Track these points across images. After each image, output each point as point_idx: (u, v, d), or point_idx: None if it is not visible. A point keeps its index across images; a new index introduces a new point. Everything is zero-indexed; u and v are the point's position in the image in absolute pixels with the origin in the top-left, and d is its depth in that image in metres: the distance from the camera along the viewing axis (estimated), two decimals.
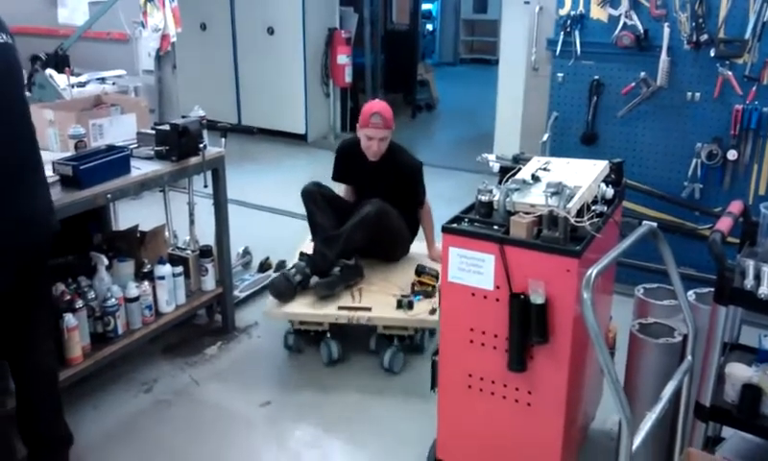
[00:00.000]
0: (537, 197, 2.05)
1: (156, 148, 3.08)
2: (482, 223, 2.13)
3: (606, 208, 2.22)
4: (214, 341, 3.44)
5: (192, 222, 3.57)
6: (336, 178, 3.70)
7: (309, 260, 3.27)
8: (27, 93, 4.38)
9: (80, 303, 2.75)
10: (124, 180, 2.82)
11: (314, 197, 3.44)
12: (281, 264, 3.99)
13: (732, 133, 3.47)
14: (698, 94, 3.55)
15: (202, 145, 3.15)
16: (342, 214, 3.42)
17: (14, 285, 2.10)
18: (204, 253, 3.40)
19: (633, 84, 3.68)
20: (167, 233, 3.74)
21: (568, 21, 3.77)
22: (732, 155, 3.49)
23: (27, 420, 2.30)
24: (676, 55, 3.53)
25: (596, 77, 3.78)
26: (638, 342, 2.28)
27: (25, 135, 2.11)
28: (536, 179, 2.15)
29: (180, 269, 3.23)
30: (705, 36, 3.43)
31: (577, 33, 3.76)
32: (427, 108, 9.27)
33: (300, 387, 3.10)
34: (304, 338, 3.33)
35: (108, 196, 2.76)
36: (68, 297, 2.72)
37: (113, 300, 2.88)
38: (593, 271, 1.72)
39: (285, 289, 3.18)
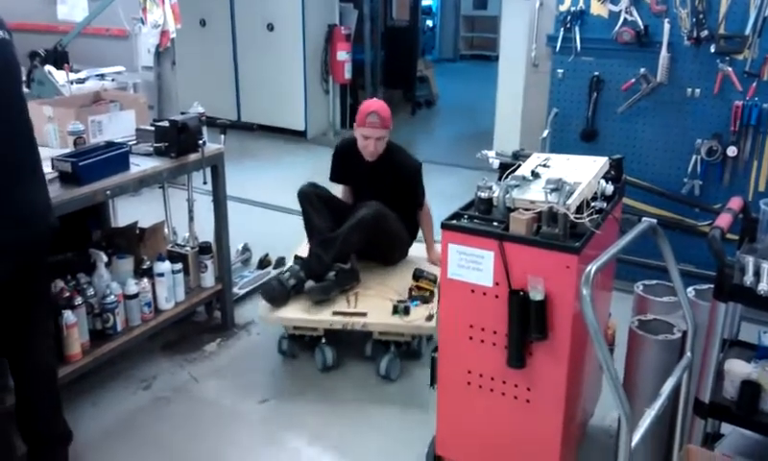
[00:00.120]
0: (536, 193, 2.05)
1: (156, 144, 3.07)
2: (481, 219, 2.12)
3: (605, 205, 2.21)
4: (213, 338, 3.44)
5: (191, 219, 3.57)
6: (334, 178, 3.63)
7: (304, 264, 3.20)
8: (26, 90, 4.41)
9: (79, 300, 2.75)
10: (123, 176, 2.82)
11: (310, 198, 3.36)
12: (281, 261, 3.99)
13: (731, 129, 3.47)
14: (698, 90, 3.54)
15: (201, 142, 3.15)
16: (339, 216, 3.34)
17: (13, 282, 2.10)
18: (204, 249, 3.40)
19: (633, 80, 3.67)
20: (166, 230, 3.73)
21: (568, 17, 3.76)
22: (731, 151, 3.49)
23: (26, 417, 2.30)
24: (676, 51, 3.53)
25: (596, 73, 3.78)
26: (638, 338, 2.28)
27: (23, 132, 2.11)
28: (535, 175, 2.15)
29: (179, 266, 3.22)
30: (705, 32, 3.42)
31: (577, 29, 3.76)
32: (427, 104, 9.26)
33: (294, 391, 3.06)
34: (299, 343, 3.27)
35: (108, 192, 2.76)
36: (67, 294, 2.72)
37: (112, 297, 2.88)
38: (593, 267, 1.72)
39: (278, 293, 3.10)
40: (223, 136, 3.59)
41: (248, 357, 3.30)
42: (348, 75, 7.37)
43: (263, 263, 4.12)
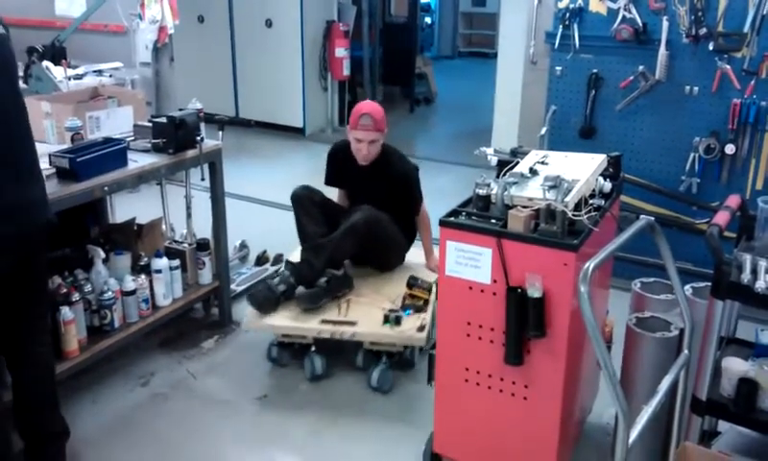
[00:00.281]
0: (534, 190, 2.05)
1: (153, 141, 3.06)
2: (479, 217, 2.12)
3: (603, 202, 2.21)
4: (211, 334, 3.44)
5: (189, 215, 3.57)
6: (329, 182, 3.52)
7: (294, 270, 3.12)
8: (23, 85, 4.40)
9: (76, 297, 2.74)
10: (121, 172, 2.81)
11: (303, 202, 3.28)
12: (278, 258, 3.99)
13: (729, 127, 3.47)
14: (696, 88, 3.54)
15: (199, 138, 3.14)
16: (334, 220, 3.25)
17: (10, 278, 2.10)
18: (201, 246, 3.39)
19: (631, 77, 3.67)
20: (164, 227, 3.73)
21: (567, 14, 3.76)
22: (729, 149, 3.49)
23: (23, 413, 2.29)
24: (674, 48, 3.53)
25: (595, 70, 3.78)
26: (635, 336, 2.29)
27: (20, 128, 2.10)
28: (534, 172, 2.15)
29: (176, 262, 3.22)
30: (703, 30, 3.42)
31: (576, 26, 3.75)
32: (425, 101, 9.26)
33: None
34: (289, 351, 3.16)
35: (105, 189, 2.75)
36: (65, 290, 2.71)
37: (110, 293, 2.88)
38: (591, 265, 1.72)
39: (266, 300, 3.02)
40: (221, 133, 3.60)
41: (245, 354, 3.29)
42: (346, 72, 7.36)
43: (261, 260, 4.12)
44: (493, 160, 2.51)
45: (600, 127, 3.86)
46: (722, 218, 2.01)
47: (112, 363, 3.10)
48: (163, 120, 3.09)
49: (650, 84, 3.62)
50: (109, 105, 3.44)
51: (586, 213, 2.01)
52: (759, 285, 1.80)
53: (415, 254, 3.51)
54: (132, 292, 2.98)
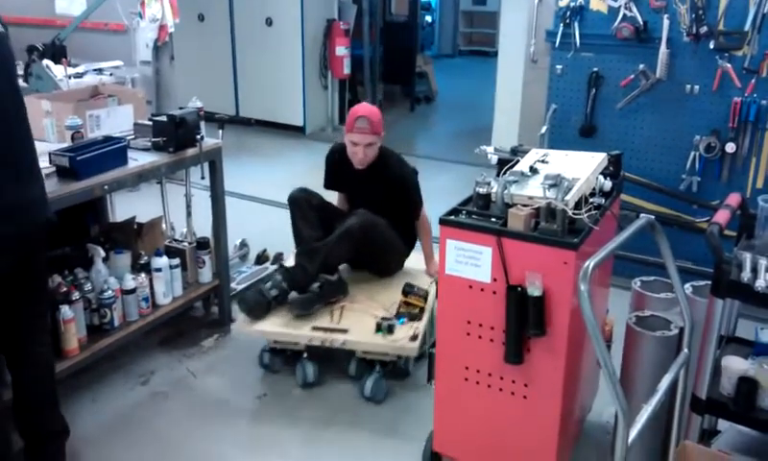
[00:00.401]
0: (535, 189, 2.05)
1: (154, 139, 3.06)
2: (480, 215, 2.12)
3: (604, 201, 2.21)
4: (211, 333, 3.44)
5: (189, 214, 3.57)
6: (327, 185, 3.47)
7: (287, 274, 3.06)
8: (24, 84, 4.40)
9: (76, 295, 2.74)
10: (121, 171, 2.81)
11: (300, 205, 3.21)
12: (278, 257, 3.99)
13: (730, 125, 3.47)
14: (697, 87, 3.54)
15: (199, 136, 3.14)
16: (332, 224, 3.19)
17: (10, 277, 2.09)
18: (201, 245, 3.39)
19: (632, 76, 3.67)
20: (164, 225, 3.73)
21: (568, 12, 3.75)
22: (730, 147, 3.49)
23: (23, 412, 2.29)
24: (675, 47, 3.52)
25: (595, 69, 3.77)
26: (635, 334, 2.29)
27: (19, 127, 2.10)
28: (534, 171, 2.14)
29: (176, 261, 3.22)
30: (704, 28, 3.41)
31: (576, 24, 3.75)
32: (426, 100, 9.26)
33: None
34: (281, 357, 3.11)
35: (105, 187, 2.75)
36: (65, 289, 2.71)
37: (110, 291, 2.88)
38: (591, 263, 1.72)
39: (256, 305, 2.97)
40: (221, 132, 3.59)
41: (245, 353, 3.29)
42: (346, 70, 7.36)
43: (261, 259, 4.12)
44: (494, 159, 2.51)
45: (600, 125, 3.86)
46: (722, 217, 2.01)
47: (112, 362, 3.10)
48: (163, 119, 3.09)
49: (650, 82, 3.62)
50: (110, 103, 3.44)
51: (586, 212, 2.01)
52: (759, 284, 1.80)
53: (415, 260, 3.45)
54: (132, 291, 2.98)
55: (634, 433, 1.76)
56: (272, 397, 2.97)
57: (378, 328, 2.88)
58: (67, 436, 2.41)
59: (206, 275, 3.42)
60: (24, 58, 4.77)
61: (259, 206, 5.24)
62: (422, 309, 2.98)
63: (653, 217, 2.03)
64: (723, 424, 2.27)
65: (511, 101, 5.48)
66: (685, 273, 2.71)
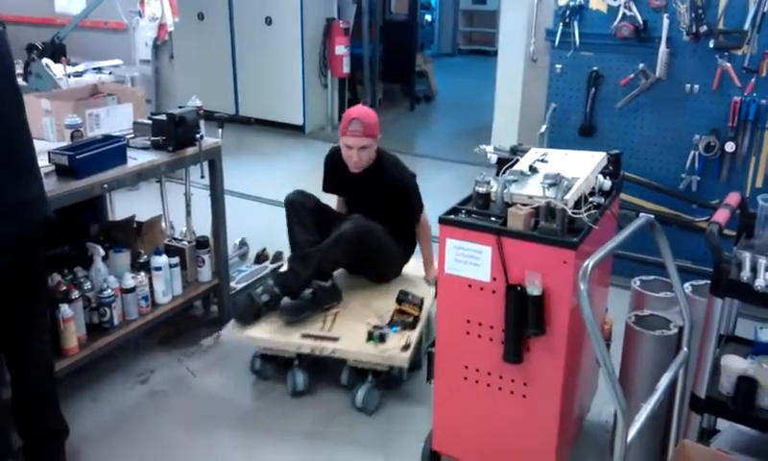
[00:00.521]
0: (534, 188, 2.05)
1: (153, 138, 3.06)
2: (479, 214, 2.12)
3: (603, 200, 2.21)
4: (210, 332, 3.43)
5: (189, 213, 3.57)
6: (326, 188, 3.41)
7: (279, 279, 3.01)
8: (23, 83, 4.40)
9: (76, 294, 2.74)
10: (120, 170, 2.81)
11: (296, 208, 3.15)
12: (278, 255, 3.99)
13: (730, 124, 3.47)
14: (696, 86, 3.54)
15: (198, 135, 3.14)
16: (328, 228, 3.11)
17: (10, 276, 2.09)
18: (201, 244, 3.39)
19: (631, 75, 3.67)
20: (164, 224, 3.73)
21: (567, 12, 3.75)
22: (729, 147, 3.49)
23: (23, 411, 2.29)
24: (675, 46, 3.52)
25: (595, 68, 3.77)
26: (634, 334, 2.29)
27: (18, 126, 2.10)
28: (533, 170, 2.14)
29: (176, 260, 3.22)
30: (704, 28, 3.41)
31: (576, 23, 3.75)
32: (426, 99, 9.25)
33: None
34: (273, 364, 3.03)
35: (105, 186, 2.75)
36: (64, 287, 2.71)
37: (109, 290, 2.88)
38: (590, 262, 1.72)
39: (246, 310, 2.92)
40: (220, 130, 3.59)
41: (244, 351, 3.28)
42: (346, 69, 7.36)
43: (260, 258, 4.12)
44: (493, 158, 2.51)
45: (600, 125, 3.86)
46: (722, 216, 2.01)
47: (112, 361, 3.10)
48: (163, 117, 3.09)
49: (650, 81, 3.62)
50: (109, 102, 3.44)
51: (585, 211, 2.01)
52: (759, 283, 1.80)
53: (414, 267, 3.38)
54: (132, 289, 2.98)
55: (633, 432, 1.76)
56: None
57: (370, 337, 2.80)
58: (67, 435, 2.41)
59: (206, 274, 3.42)
60: (23, 56, 4.77)
61: (259, 205, 5.24)
62: (417, 318, 2.90)
63: (652, 216, 2.03)
64: (722, 424, 2.28)
65: (510, 100, 5.48)
66: (685, 272, 2.72)
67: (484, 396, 2.17)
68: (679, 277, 2.10)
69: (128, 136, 3.10)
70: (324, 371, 2.98)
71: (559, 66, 3.88)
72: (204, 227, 3.54)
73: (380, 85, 8.55)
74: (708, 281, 1.98)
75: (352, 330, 2.88)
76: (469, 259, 2.07)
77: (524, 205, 2.02)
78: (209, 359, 3.24)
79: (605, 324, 2.52)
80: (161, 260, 3.13)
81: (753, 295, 1.83)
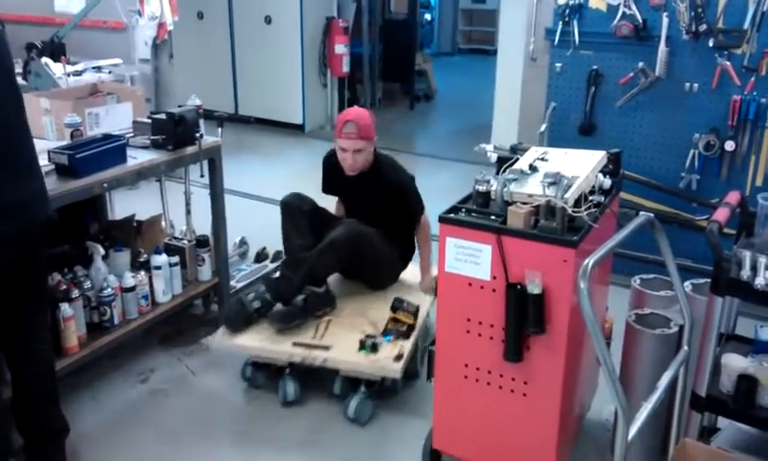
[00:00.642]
0: (534, 187, 2.05)
1: (153, 137, 3.06)
2: (479, 213, 2.12)
3: (603, 199, 2.21)
4: (210, 331, 3.41)
5: (188, 212, 3.57)
6: (325, 190, 3.34)
7: (270, 285, 2.94)
8: (23, 82, 4.40)
9: (76, 293, 2.74)
10: (120, 169, 2.81)
11: (292, 211, 3.09)
12: (278, 255, 3.99)
13: (729, 123, 3.47)
14: (696, 85, 3.54)
15: (198, 134, 3.14)
16: (324, 231, 3.04)
17: (10, 275, 2.09)
18: (201, 243, 3.39)
19: (631, 74, 3.67)
20: (163, 223, 3.73)
21: (567, 10, 3.75)
22: (729, 145, 3.49)
23: (23, 410, 2.29)
24: (674, 45, 3.52)
25: (595, 67, 3.77)
26: (635, 332, 2.29)
27: (18, 125, 2.10)
28: (533, 169, 2.15)
29: (176, 259, 3.22)
30: (704, 26, 3.41)
31: (576, 22, 3.75)
32: (425, 98, 9.25)
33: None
34: (264, 372, 2.95)
35: (105, 185, 2.75)
36: (64, 286, 2.71)
37: (109, 289, 2.88)
38: (590, 261, 1.72)
39: (236, 317, 2.86)
40: (220, 129, 3.59)
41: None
42: (346, 68, 7.35)
43: (260, 257, 4.12)
44: (493, 157, 2.52)
45: (600, 123, 3.86)
46: (722, 215, 2.01)
47: (112, 360, 3.10)
48: (163, 117, 3.09)
49: (650, 80, 3.62)
50: (109, 101, 3.43)
51: (585, 210, 2.01)
52: (759, 282, 1.80)
53: (413, 273, 3.28)
54: (132, 288, 2.98)
55: (633, 431, 1.76)
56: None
57: (362, 346, 2.72)
58: (67, 434, 2.41)
59: (206, 273, 3.42)
60: (23, 55, 4.77)
61: (259, 203, 5.24)
62: (411, 327, 2.81)
63: (652, 215, 2.03)
64: (723, 422, 2.28)
65: (510, 99, 5.47)
66: (685, 271, 2.72)
67: (484, 394, 2.17)
68: (679, 275, 2.11)
69: (127, 135, 3.10)
70: (317, 379, 2.89)
71: (558, 65, 3.88)
72: (203, 226, 3.54)
73: (380, 85, 8.56)
74: (709, 280, 1.98)
75: (345, 339, 2.80)
76: (469, 258, 2.07)
77: (524, 203, 2.02)
78: (209, 358, 3.23)
79: (605, 322, 2.52)
80: (161, 259, 3.12)
81: (753, 293, 1.83)
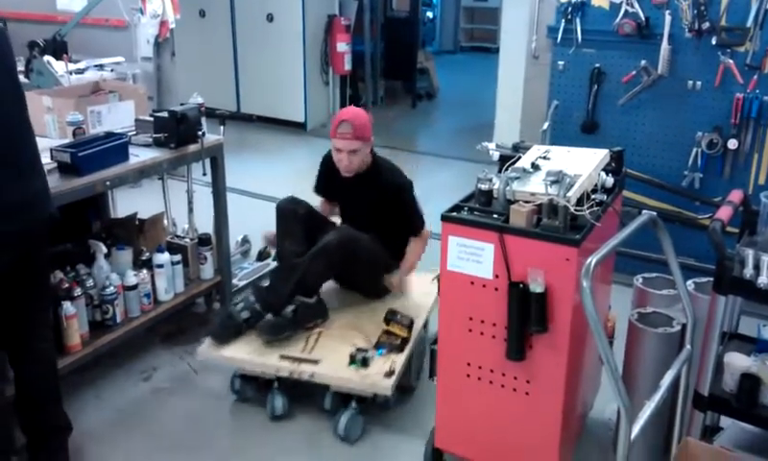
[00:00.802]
0: (537, 185, 2.04)
1: (155, 135, 3.06)
2: (482, 211, 2.12)
3: (606, 197, 2.21)
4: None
5: (191, 210, 3.57)
6: (317, 190, 3.26)
7: (259, 295, 2.85)
8: (25, 80, 4.40)
9: (78, 291, 2.75)
10: (122, 167, 2.81)
11: (286, 216, 2.99)
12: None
13: (732, 121, 3.46)
14: (699, 83, 3.53)
15: (200, 133, 3.14)
16: (318, 236, 2.94)
17: (13, 273, 2.10)
18: (203, 241, 3.39)
19: (633, 72, 3.66)
20: (166, 221, 3.74)
21: (569, 8, 3.75)
22: (732, 144, 3.48)
23: (26, 408, 2.30)
24: (677, 43, 3.51)
25: (597, 65, 3.77)
26: (637, 331, 2.29)
27: (20, 123, 2.10)
28: (536, 167, 2.14)
29: (178, 257, 3.22)
30: (706, 24, 3.40)
31: (578, 20, 3.74)
32: (427, 96, 9.24)
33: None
34: (253, 384, 2.85)
35: (107, 183, 2.75)
36: (66, 285, 2.71)
37: (112, 288, 2.88)
38: (593, 260, 1.72)
39: (222, 329, 2.78)
40: (222, 128, 3.59)
41: None
42: (347, 66, 7.36)
43: (262, 255, 4.12)
44: (495, 155, 2.50)
45: (602, 122, 3.85)
46: (724, 213, 2.01)
47: (114, 358, 3.10)
48: (165, 115, 3.09)
49: (652, 78, 3.61)
50: (111, 99, 3.44)
51: (588, 208, 2.01)
52: (762, 280, 1.80)
53: (411, 282, 3.15)
54: (134, 287, 2.99)
55: (636, 430, 1.76)
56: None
57: (352, 361, 2.60)
58: (70, 432, 2.42)
59: (208, 271, 3.42)
60: (25, 53, 4.77)
61: (261, 202, 5.23)
62: (405, 340, 2.71)
63: (655, 214, 2.03)
64: (725, 421, 2.27)
65: (512, 97, 5.47)
66: (688, 269, 2.71)
67: (486, 393, 2.17)
68: (681, 274, 2.10)
69: (130, 134, 3.10)
70: (308, 394, 2.78)
71: (561, 63, 3.87)
72: (206, 224, 3.54)
73: (382, 83, 8.56)
74: (711, 279, 1.97)
75: (335, 352, 2.69)
76: (472, 257, 2.07)
77: (527, 202, 2.02)
78: None
79: (608, 321, 2.52)
80: (163, 258, 3.13)
81: (756, 292, 1.83)
